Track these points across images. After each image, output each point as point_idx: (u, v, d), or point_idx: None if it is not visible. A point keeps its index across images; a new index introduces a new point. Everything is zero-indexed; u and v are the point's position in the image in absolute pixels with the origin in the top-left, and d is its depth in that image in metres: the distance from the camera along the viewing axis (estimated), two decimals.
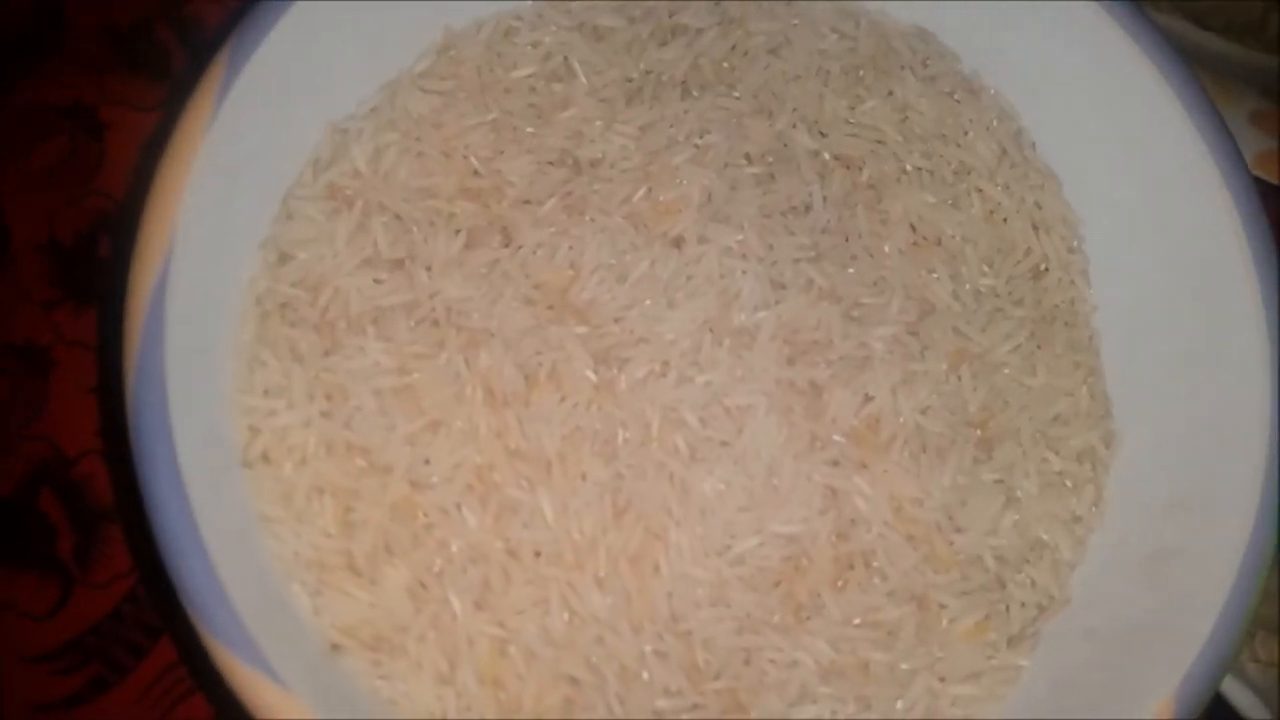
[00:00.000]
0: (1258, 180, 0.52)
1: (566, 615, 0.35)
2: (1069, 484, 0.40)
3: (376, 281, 0.40)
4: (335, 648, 0.34)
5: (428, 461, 0.37)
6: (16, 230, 0.52)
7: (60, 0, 0.55)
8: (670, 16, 0.46)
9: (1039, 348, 0.43)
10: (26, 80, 0.53)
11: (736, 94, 0.45)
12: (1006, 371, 0.42)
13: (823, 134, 0.45)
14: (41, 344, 0.49)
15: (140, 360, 0.34)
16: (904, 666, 0.36)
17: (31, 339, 0.49)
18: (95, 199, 0.52)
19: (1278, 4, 0.58)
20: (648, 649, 0.35)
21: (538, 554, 0.36)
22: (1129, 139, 0.43)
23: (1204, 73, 0.55)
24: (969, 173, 0.45)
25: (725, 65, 0.46)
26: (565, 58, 0.44)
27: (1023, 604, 0.38)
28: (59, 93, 0.53)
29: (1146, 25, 0.42)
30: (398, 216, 0.41)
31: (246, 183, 0.39)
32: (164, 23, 0.55)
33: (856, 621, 0.37)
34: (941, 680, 0.37)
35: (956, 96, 0.46)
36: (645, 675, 0.35)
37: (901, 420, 0.39)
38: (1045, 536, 0.39)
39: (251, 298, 0.39)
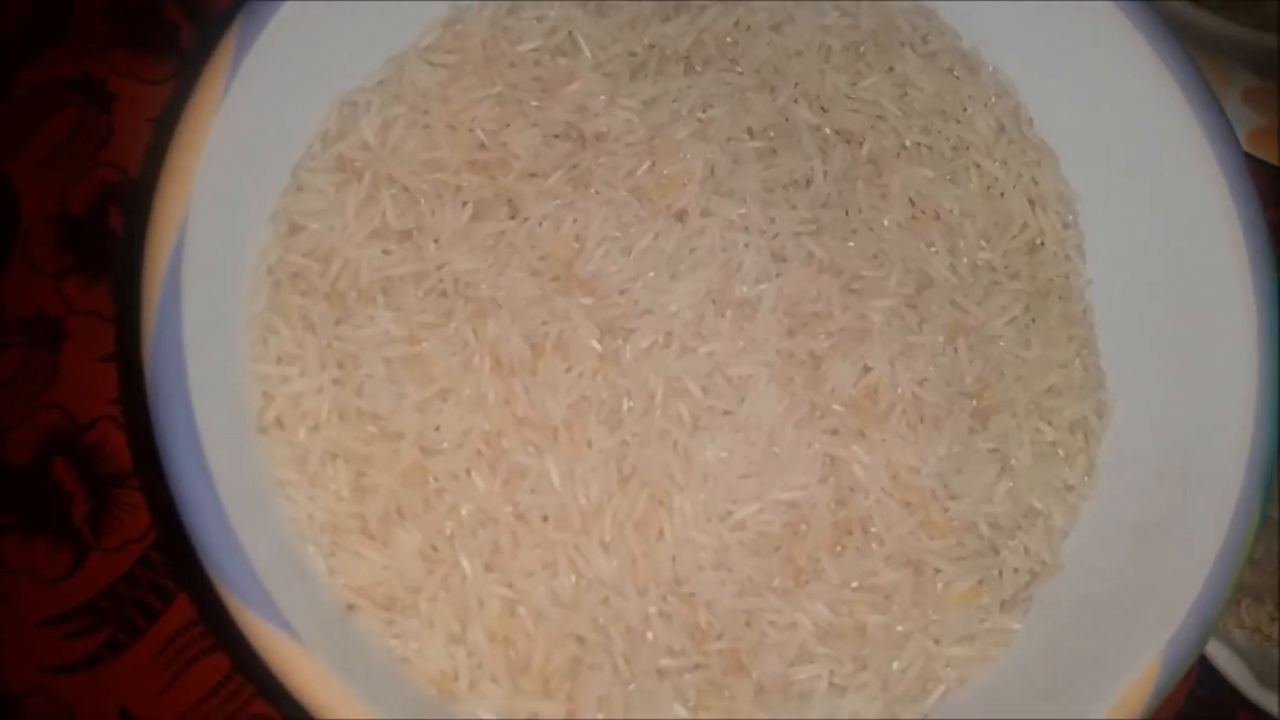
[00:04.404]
0: (1251, 157, 0.53)
1: (574, 577, 0.36)
2: (1061, 453, 0.41)
3: (385, 252, 0.41)
4: (350, 607, 0.35)
5: (437, 428, 0.38)
6: (27, 203, 0.52)
7: None
8: None
9: (1034, 321, 0.43)
10: (36, 56, 0.54)
11: (739, 69, 0.45)
12: (1002, 344, 0.43)
13: (824, 109, 0.45)
14: (53, 315, 0.50)
15: (158, 330, 0.34)
16: (899, 629, 0.37)
17: (44, 310, 0.50)
18: (104, 171, 0.53)
19: None
20: (652, 610, 0.37)
21: (545, 518, 0.37)
22: (1124, 117, 0.44)
23: (1198, 51, 0.55)
24: (967, 148, 0.46)
25: (728, 40, 0.46)
26: (570, 32, 0.45)
27: (1015, 570, 0.39)
28: (68, 68, 0.54)
29: (1141, 5, 0.42)
30: (406, 188, 0.42)
31: (257, 155, 0.40)
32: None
33: (854, 585, 0.38)
34: (936, 642, 0.38)
35: (956, 73, 0.47)
36: (650, 635, 0.36)
37: (899, 391, 0.40)
38: (1038, 504, 0.40)
39: (264, 268, 0.39)
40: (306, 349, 0.38)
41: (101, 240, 0.51)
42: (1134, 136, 0.44)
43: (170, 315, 0.35)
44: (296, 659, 0.32)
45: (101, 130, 0.53)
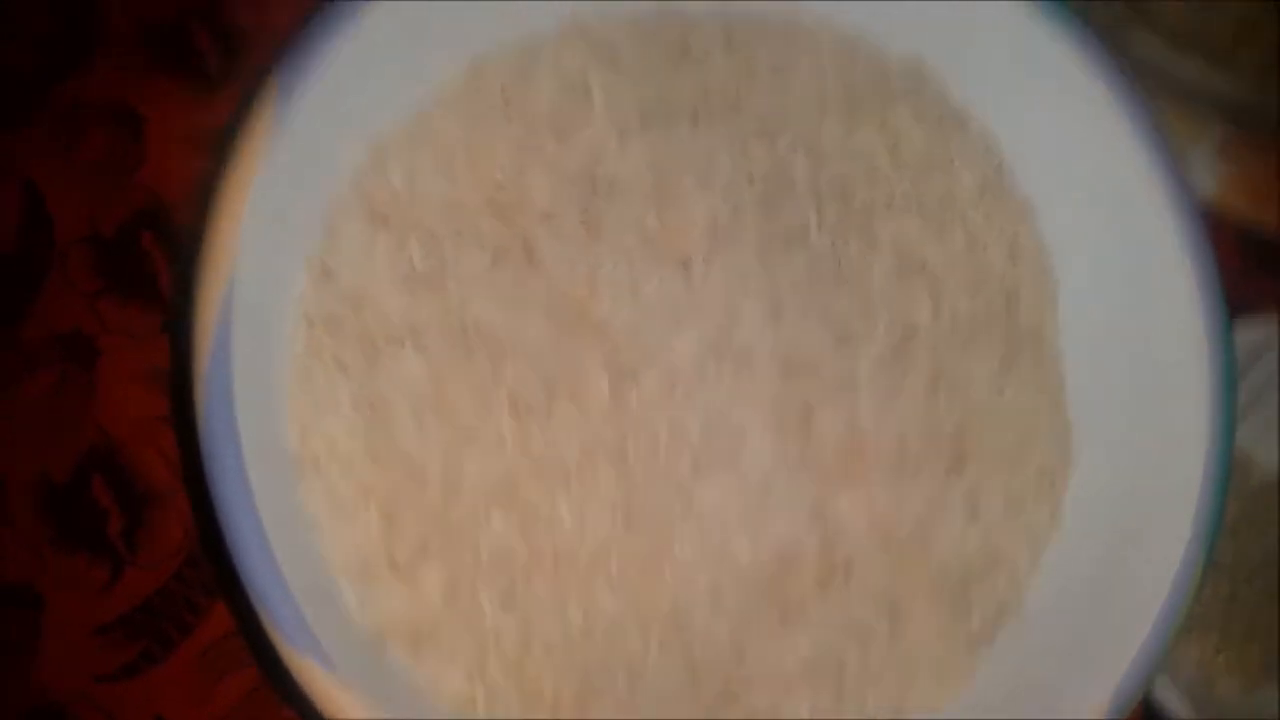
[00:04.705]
0: (1223, 210, 0.56)
1: (581, 614, 0.40)
2: (1029, 502, 0.45)
3: (412, 296, 0.43)
4: (379, 640, 0.39)
5: (460, 469, 0.41)
6: (61, 223, 0.55)
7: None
8: (681, 40, 0.49)
9: (1009, 372, 0.47)
10: (66, 79, 0.56)
11: (742, 118, 0.48)
12: (979, 394, 0.46)
13: (820, 160, 0.48)
14: (88, 333, 0.53)
15: (210, 374, 0.38)
16: (875, 665, 0.41)
17: (79, 328, 0.53)
18: (136, 193, 0.55)
19: (1248, 37, 0.61)
20: (653, 644, 0.40)
21: (557, 557, 0.40)
22: (1098, 180, 0.47)
23: (1174, 99, 0.58)
24: (953, 202, 0.49)
25: (732, 89, 0.49)
26: (585, 79, 0.47)
27: (982, 612, 0.43)
28: (98, 89, 0.56)
29: (1121, 81, 0.45)
30: (431, 234, 0.44)
31: (295, 203, 0.42)
32: (200, 26, 0.58)
33: (836, 623, 0.41)
34: (907, 678, 0.41)
35: (945, 127, 0.49)
36: (650, 668, 0.40)
37: (883, 439, 0.44)
38: (1005, 550, 0.44)
39: (300, 312, 0.42)
40: (340, 391, 0.41)
41: (135, 262, 0.54)
42: (1105, 199, 0.47)
43: (221, 360, 0.38)
44: (334, 690, 0.35)
45: (133, 153, 0.56)
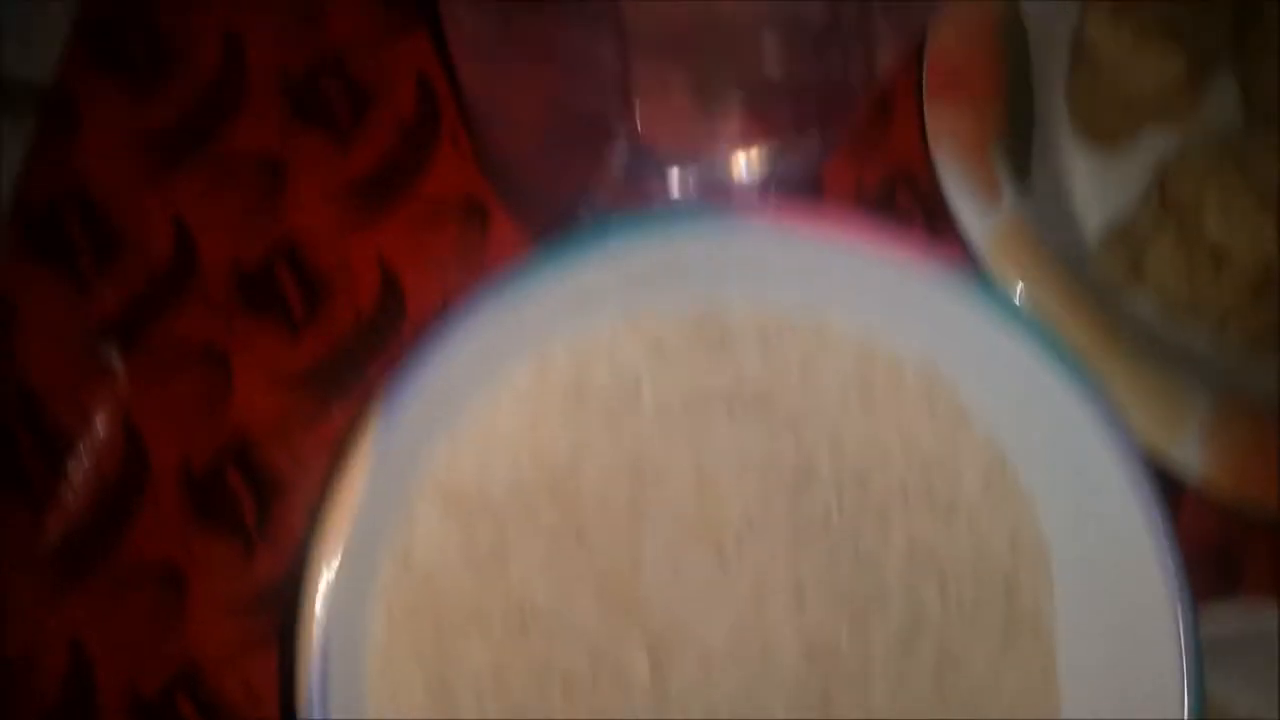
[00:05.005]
0: (1209, 491, 0.61)
1: None
2: None
3: (478, 581, 0.49)
4: None
5: None
6: (155, 456, 0.61)
7: (193, 239, 0.64)
8: (720, 334, 0.55)
9: (1008, 652, 0.52)
10: (161, 319, 0.63)
11: (771, 411, 0.54)
12: (980, 673, 0.51)
13: (841, 453, 0.54)
14: (177, 563, 0.59)
15: (311, 683, 0.43)
16: None
17: (169, 558, 0.59)
18: (224, 429, 0.61)
19: (1239, 308, 0.67)
20: None
21: None
22: (1085, 478, 0.51)
23: (1167, 364, 0.63)
24: (960, 494, 0.54)
25: (763, 384, 0.55)
26: (636, 371, 0.54)
27: None
28: (190, 330, 0.63)
29: (1099, 392, 0.51)
30: (496, 519, 0.50)
31: (384, 504, 0.48)
32: (285, 270, 0.65)
33: None
34: None
35: (953, 425, 0.55)
36: None
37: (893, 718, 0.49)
38: None
39: (383, 604, 0.48)
40: (414, 678, 0.47)
41: (221, 497, 0.60)
42: (1090, 491, 0.52)
43: (322, 669, 0.43)
44: None
45: (221, 391, 0.62)
